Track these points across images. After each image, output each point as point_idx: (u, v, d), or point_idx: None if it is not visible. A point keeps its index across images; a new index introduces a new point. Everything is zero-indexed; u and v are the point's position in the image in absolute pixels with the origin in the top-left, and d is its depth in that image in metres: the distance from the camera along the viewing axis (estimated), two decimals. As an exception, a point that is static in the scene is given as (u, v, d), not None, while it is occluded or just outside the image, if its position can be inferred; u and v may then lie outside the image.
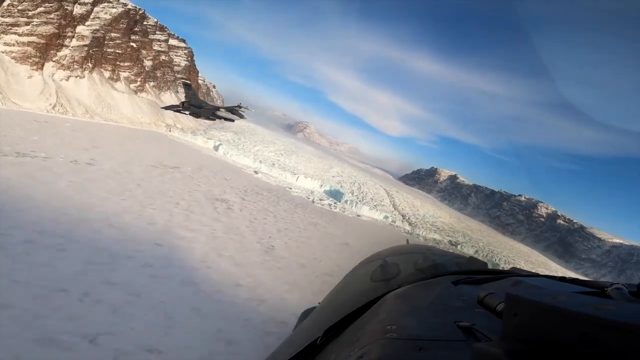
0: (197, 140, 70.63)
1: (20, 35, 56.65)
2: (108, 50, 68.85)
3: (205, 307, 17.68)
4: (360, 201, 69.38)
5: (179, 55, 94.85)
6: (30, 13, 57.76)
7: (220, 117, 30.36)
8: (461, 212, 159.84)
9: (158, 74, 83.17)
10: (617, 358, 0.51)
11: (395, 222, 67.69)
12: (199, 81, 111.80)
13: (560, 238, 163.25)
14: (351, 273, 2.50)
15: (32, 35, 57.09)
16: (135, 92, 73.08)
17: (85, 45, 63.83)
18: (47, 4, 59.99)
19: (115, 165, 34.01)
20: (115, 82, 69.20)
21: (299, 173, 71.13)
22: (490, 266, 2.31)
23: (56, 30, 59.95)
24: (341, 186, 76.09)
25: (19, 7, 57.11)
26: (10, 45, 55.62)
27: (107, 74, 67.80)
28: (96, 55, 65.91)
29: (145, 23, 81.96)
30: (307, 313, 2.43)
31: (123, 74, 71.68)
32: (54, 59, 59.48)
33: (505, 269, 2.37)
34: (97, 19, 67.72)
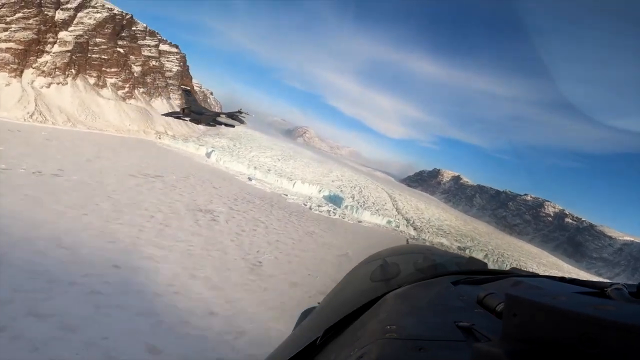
0: (188, 147, 67.33)
1: (-3, 41, 53.85)
2: (93, 55, 65.97)
3: (165, 343, 14.09)
4: (361, 206, 65.60)
5: (171, 61, 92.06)
6: (8, 19, 54.95)
7: (220, 123, 29.74)
8: (466, 213, 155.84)
9: (148, 80, 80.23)
10: (617, 358, 0.51)
11: (399, 227, 63.78)
12: (195, 87, 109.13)
13: (569, 237, 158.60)
14: (351, 273, 2.47)
15: (10, 41, 54.21)
16: (124, 98, 70.01)
17: (68, 51, 60.94)
18: (26, 10, 57.23)
19: (86, 176, 30.57)
20: (102, 88, 66.17)
21: (297, 179, 67.58)
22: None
23: (35, 36, 57.07)
24: (341, 191, 72.43)
25: (-4, 13, 54.41)
26: (-13, 52, 52.79)
27: (92, 81, 64.80)
28: (80, 61, 62.96)
29: (133, 28, 79.26)
30: (307, 313, 2.36)
31: (110, 80, 68.70)
32: (33, 65, 56.52)
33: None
34: (80, 24, 64.95)
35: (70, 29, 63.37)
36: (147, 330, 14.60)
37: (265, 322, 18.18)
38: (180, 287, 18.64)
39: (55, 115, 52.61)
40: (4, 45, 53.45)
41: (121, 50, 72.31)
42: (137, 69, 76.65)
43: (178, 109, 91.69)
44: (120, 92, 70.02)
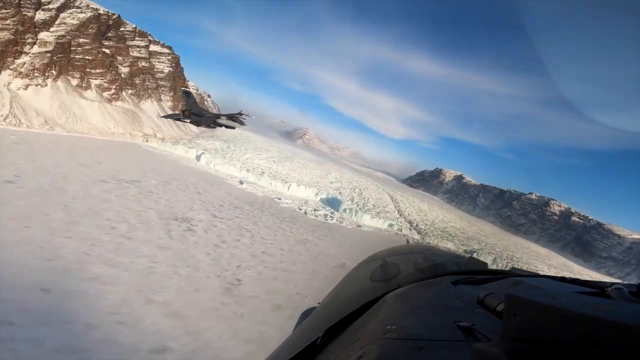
0: (177, 150, 63.88)
1: (-30, 42, 50.78)
2: (76, 56, 62.78)
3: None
4: (361, 209, 61.84)
5: (162, 62, 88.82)
6: (-17, 19, 51.96)
7: (221, 125, 29.23)
8: (470, 213, 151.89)
9: (137, 81, 76.97)
10: (617, 358, 0.51)
11: (401, 231, 59.95)
12: (192, 90, 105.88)
13: (577, 236, 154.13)
14: (351, 273, 2.47)
15: (-16, 42, 51.13)
16: (109, 100, 66.71)
17: (48, 52, 57.78)
18: (3, 10, 54.18)
19: (45, 182, 27.08)
20: (85, 90, 62.92)
21: (292, 181, 63.96)
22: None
23: (13, 37, 53.93)
24: (340, 193, 68.77)
25: (-30, 13, 51.38)
26: (-41, 54, 49.70)
27: (74, 82, 61.55)
28: (62, 61, 59.75)
29: (122, 29, 76.20)
30: (307, 313, 2.36)
31: (94, 82, 65.44)
32: (11, 67, 53.33)
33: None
34: (63, 25, 61.87)
35: (51, 29, 60.29)
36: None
37: (237, 360, 14.56)
38: (128, 315, 15.02)
39: (31, 118, 49.30)
40: (-23, 46, 50.37)
41: (107, 50, 69.13)
42: (124, 69, 73.41)
43: (170, 111, 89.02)
44: (105, 94, 66.73)
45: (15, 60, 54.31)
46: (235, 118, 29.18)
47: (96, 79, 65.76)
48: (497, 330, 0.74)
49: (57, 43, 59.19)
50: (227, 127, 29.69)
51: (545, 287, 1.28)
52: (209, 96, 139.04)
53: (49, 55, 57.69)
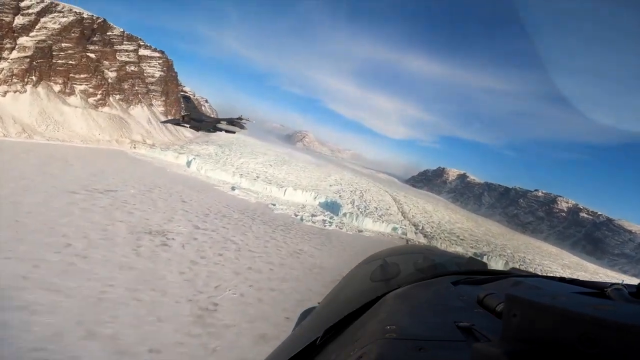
0: (166, 156, 60.62)
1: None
2: (58, 61, 59.89)
3: None
4: (362, 213, 58.24)
5: (153, 66, 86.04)
6: (-44, 24, 49.19)
7: (221, 130, 29.27)
8: (476, 213, 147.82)
9: (125, 86, 74.09)
10: (617, 358, 0.51)
11: (406, 234, 56.28)
12: (188, 95, 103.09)
13: (587, 233, 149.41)
14: (351, 273, 2.44)
15: (-43, 48, 48.30)
16: (95, 106, 63.73)
17: (27, 57, 54.91)
18: (-22, 14, 51.52)
19: (1, 195, 23.80)
20: (69, 96, 59.98)
21: (288, 185, 60.51)
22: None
23: (-11, 42, 51.14)
24: (340, 196, 65.22)
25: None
26: None
27: (57, 88, 58.59)
28: (42, 67, 56.86)
29: (109, 33, 73.50)
30: (306, 313, 2.34)
31: (79, 87, 62.51)
32: (-14, 73, 50.48)
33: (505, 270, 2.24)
34: (44, 29, 59.09)
35: (31, 34, 57.50)
36: None
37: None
38: (55, 353, 11.57)
39: (8, 126, 46.27)
40: (-50, 52, 47.53)
41: (92, 55, 66.26)
42: (111, 74, 70.53)
43: (162, 116, 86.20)
44: (91, 100, 63.76)
45: (-8, 67, 51.45)
46: (236, 122, 29.31)
47: (81, 84, 62.83)
48: (496, 330, 0.73)
49: (37, 48, 56.35)
50: (227, 131, 29.81)
51: (545, 287, 1.27)
52: (206, 101, 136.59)
53: (28, 60, 54.84)
